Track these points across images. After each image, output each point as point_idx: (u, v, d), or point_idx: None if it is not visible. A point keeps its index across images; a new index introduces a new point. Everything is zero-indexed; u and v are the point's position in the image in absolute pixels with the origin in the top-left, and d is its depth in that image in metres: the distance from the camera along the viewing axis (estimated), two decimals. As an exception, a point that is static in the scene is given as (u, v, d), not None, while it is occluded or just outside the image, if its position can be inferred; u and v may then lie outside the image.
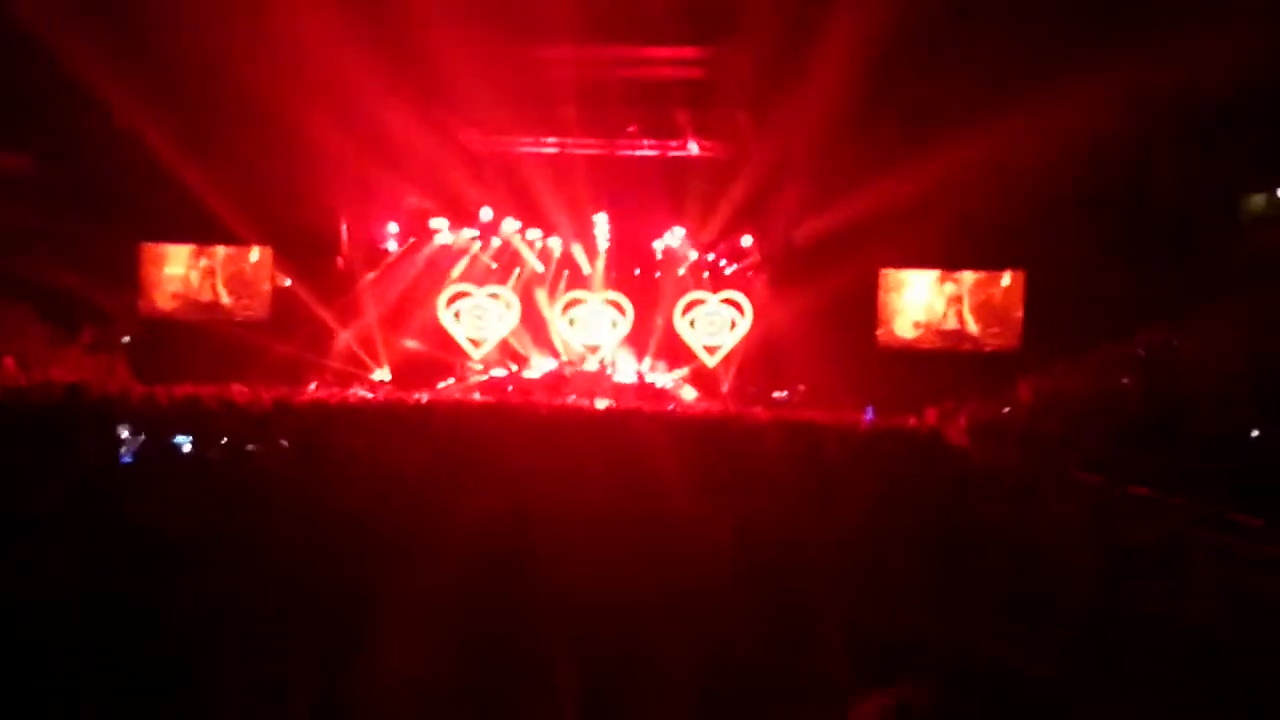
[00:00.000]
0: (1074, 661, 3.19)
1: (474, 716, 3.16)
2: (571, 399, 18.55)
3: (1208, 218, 17.12)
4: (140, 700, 3.25)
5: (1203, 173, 16.66)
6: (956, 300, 20.74)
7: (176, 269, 21.98)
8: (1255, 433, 10.29)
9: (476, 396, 18.58)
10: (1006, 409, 15.67)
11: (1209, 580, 4.07)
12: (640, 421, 10.18)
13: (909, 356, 20.41)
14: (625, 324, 21.68)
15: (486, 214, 21.52)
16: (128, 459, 6.86)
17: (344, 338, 21.21)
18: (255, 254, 21.90)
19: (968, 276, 20.63)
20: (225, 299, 22.02)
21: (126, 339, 20.84)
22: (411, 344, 21.78)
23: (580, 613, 3.44)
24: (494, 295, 21.88)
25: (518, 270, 22.30)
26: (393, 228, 21.87)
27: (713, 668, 3.21)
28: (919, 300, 20.89)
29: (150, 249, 21.83)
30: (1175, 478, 7.09)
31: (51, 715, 3.08)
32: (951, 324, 20.74)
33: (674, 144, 20.76)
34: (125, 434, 7.27)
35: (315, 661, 3.87)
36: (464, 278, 22.02)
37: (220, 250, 21.89)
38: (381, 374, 21.32)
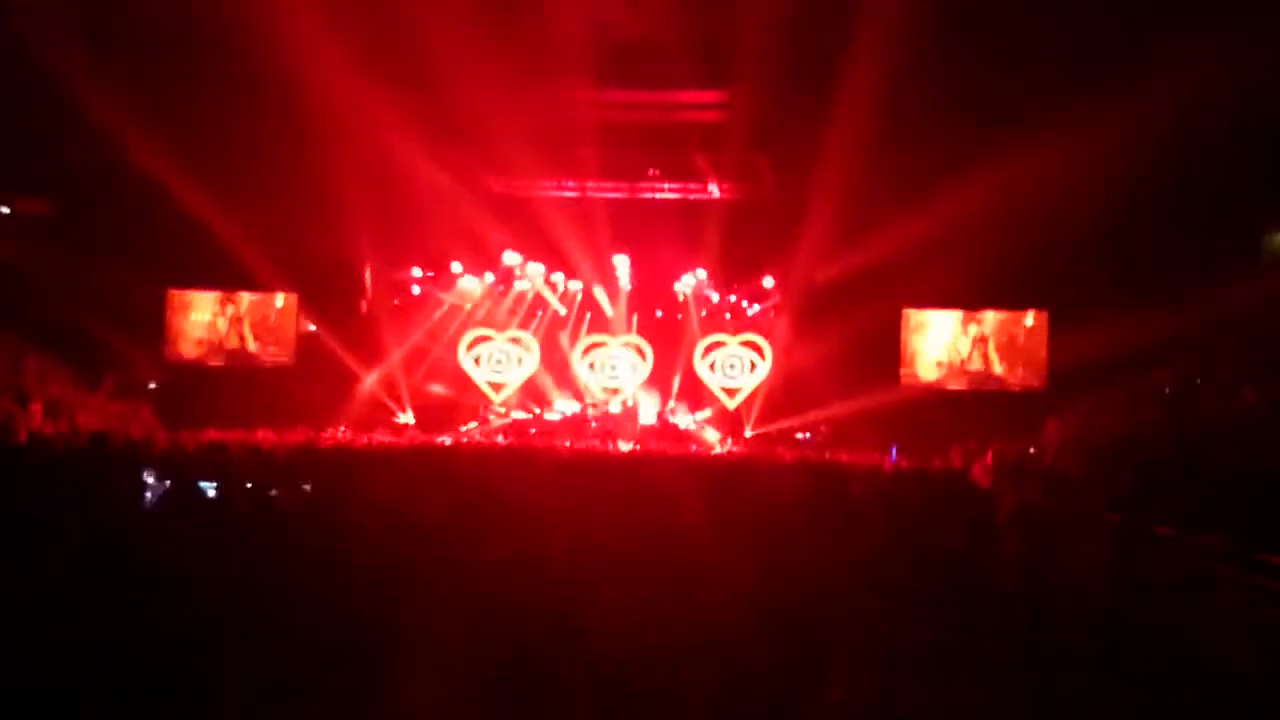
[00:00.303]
0: (1097, 697, 3.16)
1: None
2: (594, 442, 18.56)
3: (1232, 255, 17.05)
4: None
5: (1227, 210, 16.62)
6: (980, 340, 20.66)
7: (202, 315, 22.16)
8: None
9: (499, 440, 18.61)
10: (1031, 449, 15.56)
11: (1235, 617, 4.03)
12: (662, 464, 10.16)
13: (933, 397, 20.30)
14: (646, 367, 21.73)
15: (509, 258, 21.68)
16: (153, 505, 6.90)
17: (368, 382, 21.32)
18: (280, 299, 22.06)
19: (991, 316, 20.56)
20: (251, 344, 22.17)
21: (152, 385, 20.99)
22: (435, 388, 21.89)
23: (602, 652, 3.43)
24: (514, 340, 21.98)
25: (540, 314, 22.40)
26: (416, 273, 22.03)
27: (733, 706, 3.19)
28: (942, 340, 20.81)
29: (176, 294, 22.03)
30: (1201, 515, 7.02)
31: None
32: (975, 364, 20.63)
33: (694, 187, 20.87)
34: (151, 480, 7.30)
35: (340, 703, 3.87)
36: (486, 321, 22.15)
37: (245, 296, 22.08)
38: (405, 418, 21.40)
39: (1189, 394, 14.99)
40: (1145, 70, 14.53)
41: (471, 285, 22.19)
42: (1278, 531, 6.59)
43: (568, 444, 16.79)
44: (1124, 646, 3.61)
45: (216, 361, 22.00)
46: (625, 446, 17.74)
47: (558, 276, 22.09)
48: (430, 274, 22.08)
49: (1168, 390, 15.74)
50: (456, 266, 21.81)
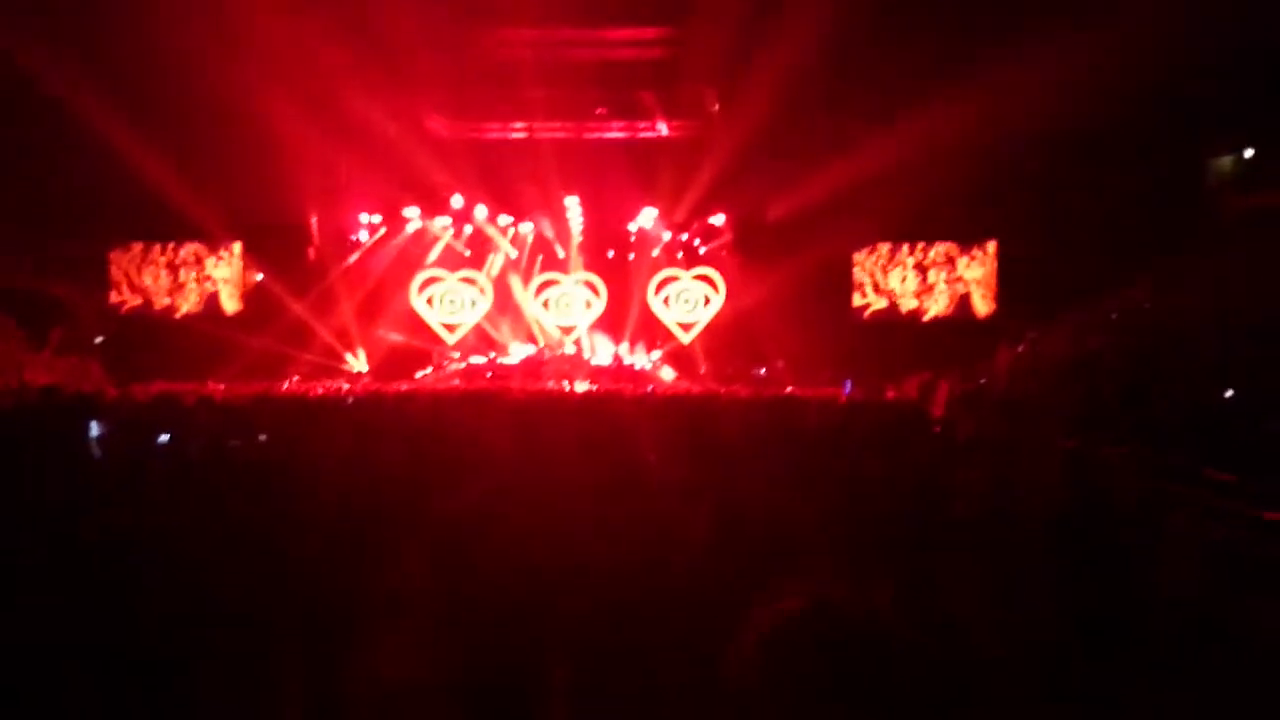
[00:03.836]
0: (1052, 618, 3.23)
1: (460, 704, 3.18)
2: (550, 383, 18.55)
3: (1176, 181, 17.22)
4: (126, 700, 3.24)
5: (1170, 136, 16.75)
6: (931, 271, 20.84)
7: (147, 268, 21.86)
8: (1228, 392, 10.39)
9: (455, 384, 18.56)
10: (984, 378, 15.75)
11: (1185, 536, 4.12)
12: (619, 403, 10.18)
13: (886, 328, 20.51)
14: (599, 304, 21.72)
15: (457, 201, 21.49)
16: (106, 458, 6.81)
17: (320, 331, 21.16)
18: (226, 250, 21.80)
19: (941, 248, 20.73)
20: (198, 296, 21.92)
21: (99, 339, 20.71)
22: (389, 334, 21.77)
23: (564, 595, 3.45)
24: (467, 280, 21.87)
25: (491, 256, 22.28)
26: (364, 218, 21.80)
27: (696, 645, 3.23)
28: (894, 273, 20.98)
29: (120, 249, 21.70)
30: (1150, 436, 7.17)
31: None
32: (927, 296, 20.84)
33: (642, 125, 20.73)
34: (101, 434, 7.21)
35: (300, 655, 3.88)
36: (437, 265, 22.02)
37: (191, 247, 21.78)
38: (359, 365, 21.28)
39: (1135, 318, 15.22)
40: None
41: (420, 229, 22.01)
42: (1222, 450, 6.74)
43: (523, 386, 16.75)
44: (1080, 565, 3.69)
45: (163, 314, 21.75)
46: (581, 387, 17.75)
47: (507, 218, 21.96)
48: (378, 219, 21.88)
49: (1114, 315, 15.96)
50: (405, 211, 21.62)
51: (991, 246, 20.38)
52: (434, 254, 22.11)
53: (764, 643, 1.56)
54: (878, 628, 1.53)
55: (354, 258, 21.84)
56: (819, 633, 1.52)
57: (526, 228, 22.08)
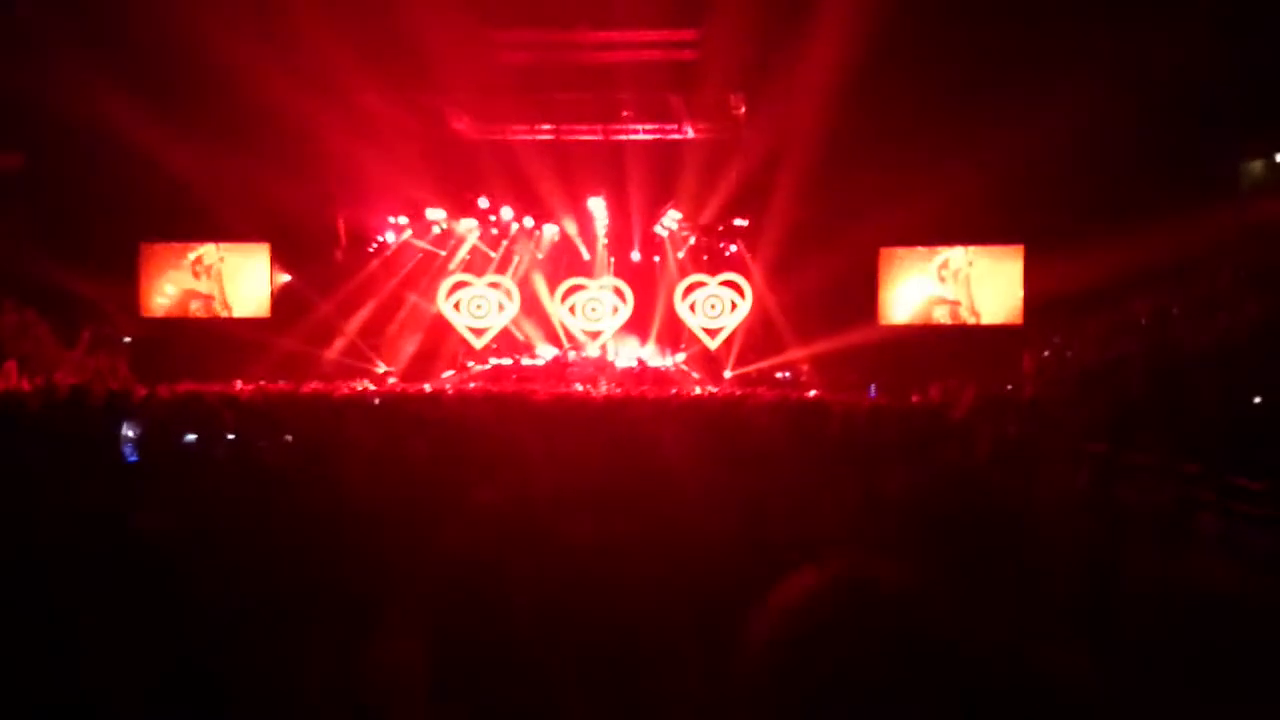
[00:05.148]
0: (1073, 621, 3.20)
1: (484, 703, 3.18)
2: (575, 386, 18.56)
3: (1210, 185, 17.06)
4: (153, 702, 3.26)
5: (1201, 140, 16.60)
6: (957, 276, 20.71)
7: (176, 267, 22.00)
8: (1257, 399, 10.29)
9: (474, 386, 18.58)
10: (1010, 385, 15.66)
11: (1213, 542, 4.10)
12: (643, 407, 10.18)
13: (911, 334, 20.38)
14: (626, 309, 21.72)
15: (484, 203, 21.55)
16: (133, 459, 6.86)
17: (346, 332, 21.26)
18: (254, 250, 21.90)
19: (968, 252, 20.59)
20: (225, 296, 22.03)
21: (128, 339, 20.86)
22: (414, 336, 21.85)
23: (588, 598, 3.45)
24: (494, 284, 21.91)
25: (517, 259, 22.32)
26: (390, 220, 21.89)
27: (720, 646, 3.22)
28: (920, 277, 20.86)
29: (149, 247, 21.85)
30: (1178, 443, 7.11)
31: None
32: (953, 300, 20.70)
33: (669, 127, 20.73)
34: (130, 433, 7.26)
35: (327, 655, 3.89)
36: (463, 268, 22.08)
37: (219, 247, 21.90)
38: (386, 366, 21.36)
39: (1164, 324, 15.10)
40: (1120, 2, 14.48)
41: (447, 231, 22.09)
42: (1251, 457, 6.67)
43: (546, 389, 16.76)
44: (1104, 573, 3.66)
45: (191, 314, 21.88)
46: (605, 390, 17.76)
47: (533, 220, 22.00)
48: (405, 221, 21.95)
49: (1143, 321, 15.84)
50: (432, 213, 21.68)
51: (1020, 251, 20.22)
52: (460, 256, 22.18)
53: (787, 616, 1.51)
54: (908, 602, 1.49)
55: (380, 260, 21.93)
56: (846, 604, 1.47)
57: (552, 230, 22.11)
